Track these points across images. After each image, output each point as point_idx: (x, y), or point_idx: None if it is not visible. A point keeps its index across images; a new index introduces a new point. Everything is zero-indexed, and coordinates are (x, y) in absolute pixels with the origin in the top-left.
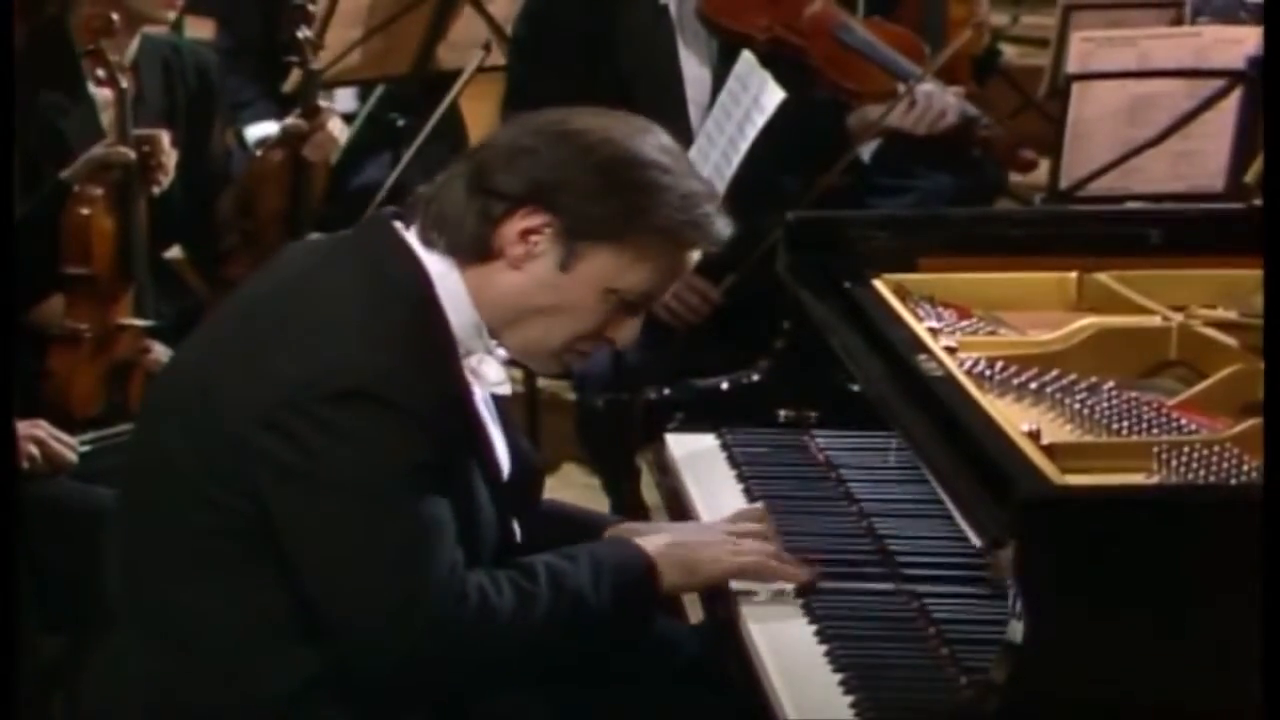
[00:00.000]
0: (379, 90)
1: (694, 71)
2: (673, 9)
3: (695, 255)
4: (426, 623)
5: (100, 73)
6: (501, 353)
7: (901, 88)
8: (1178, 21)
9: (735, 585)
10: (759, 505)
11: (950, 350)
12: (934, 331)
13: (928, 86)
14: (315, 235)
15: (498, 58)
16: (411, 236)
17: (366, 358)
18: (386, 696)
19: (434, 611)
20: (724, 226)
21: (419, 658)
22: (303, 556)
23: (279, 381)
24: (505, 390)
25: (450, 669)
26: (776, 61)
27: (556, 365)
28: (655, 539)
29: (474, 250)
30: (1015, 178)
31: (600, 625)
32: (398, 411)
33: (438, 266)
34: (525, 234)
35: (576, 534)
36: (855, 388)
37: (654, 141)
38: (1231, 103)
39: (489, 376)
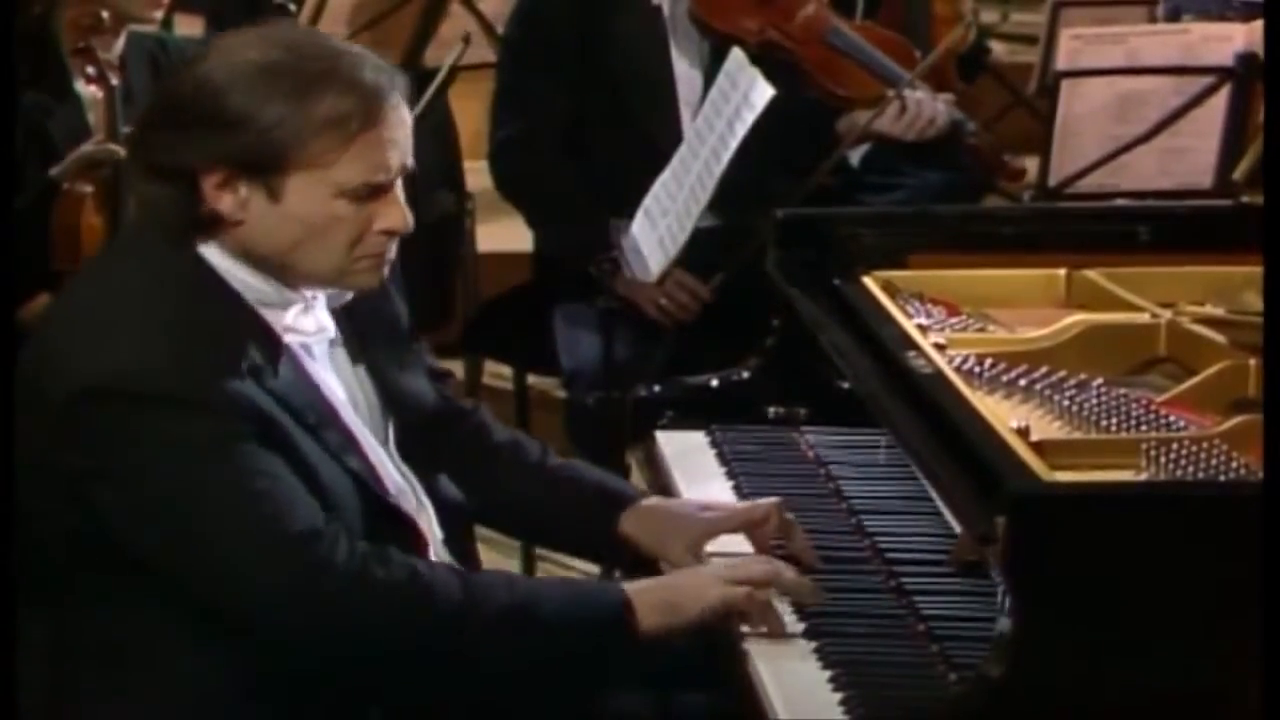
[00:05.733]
0: None
1: (685, 72)
2: (665, 9)
3: (386, 118)
4: (299, 576)
5: (90, 70)
6: (322, 300)
7: (891, 93)
8: (1151, 19)
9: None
10: (772, 501)
11: (939, 347)
12: (923, 329)
13: (919, 94)
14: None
15: (487, 54)
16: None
17: (127, 358)
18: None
19: (308, 562)
20: (369, 70)
21: (306, 611)
22: (158, 559)
23: (56, 392)
24: (329, 335)
25: (337, 637)
26: (767, 63)
27: (370, 276)
28: (641, 581)
29: (197, 229)
30: None
31: (553, 650)
32: (169, 402)
33: (204, 246)
34: (220, 188)
35: (589, 506)
36: (845, 385)
37: (260, 48)
38: (1220, 100)
39: (306, 328)
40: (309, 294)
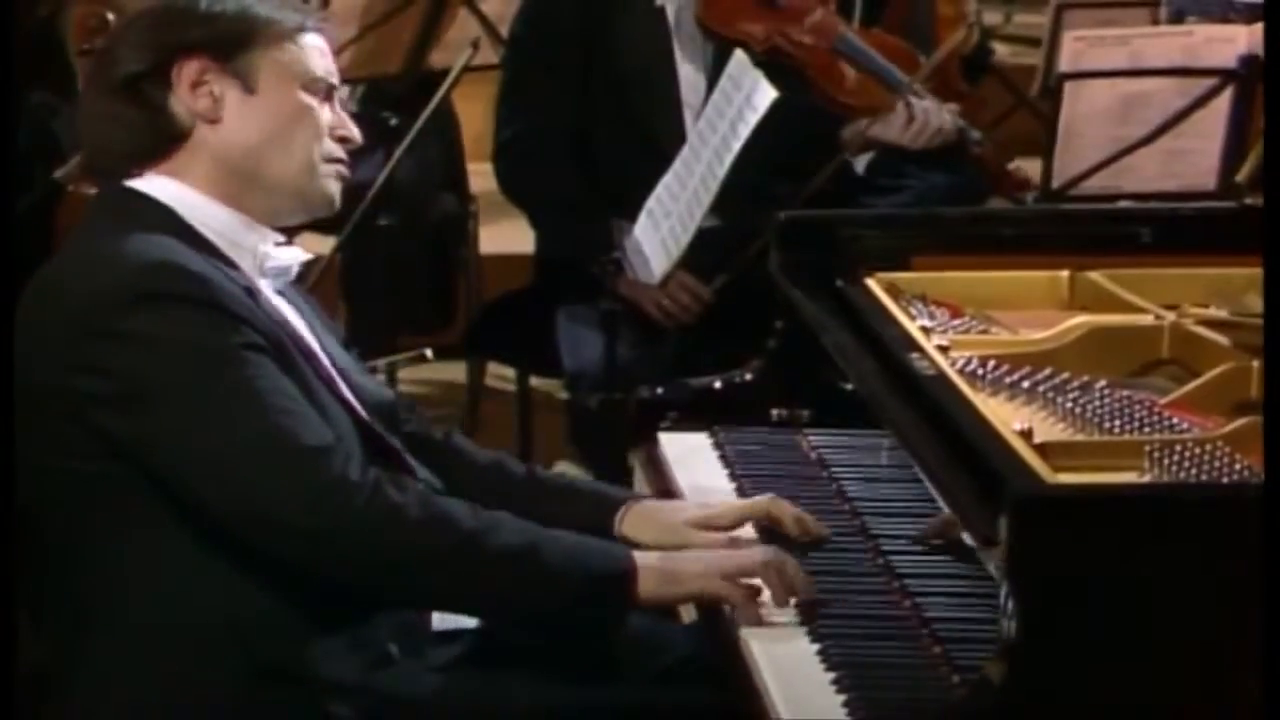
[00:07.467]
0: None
1: (689, 74)
2: (669, 12)
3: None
4: (326, 489)
5: None
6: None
7: (897, 100)
8: (1154, 21)
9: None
10: (767, 497)
11: (942, 349)
12: (926, 330)
13: (925, 103)
14: None
15: (490, 56)
16: (135, 183)
17: (133, 267)
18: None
19: (328, 476)
20: None
21: (320, 523)
22: (180, 475)
23: (61, 322)
24: (304, 257)
25: (360, 554)
26: (773, 68)
27: (334, 184)
28: (649, 554)
29: (169, 138)
30: None
31: (552, 593)
32: (192, 303)
33: (164, 190)
34: (196, 86)
35: (585, 511)
36: (848, 387)
37: None
38: (1223, 101)
39: (283, 259)
40: (272, 236)
